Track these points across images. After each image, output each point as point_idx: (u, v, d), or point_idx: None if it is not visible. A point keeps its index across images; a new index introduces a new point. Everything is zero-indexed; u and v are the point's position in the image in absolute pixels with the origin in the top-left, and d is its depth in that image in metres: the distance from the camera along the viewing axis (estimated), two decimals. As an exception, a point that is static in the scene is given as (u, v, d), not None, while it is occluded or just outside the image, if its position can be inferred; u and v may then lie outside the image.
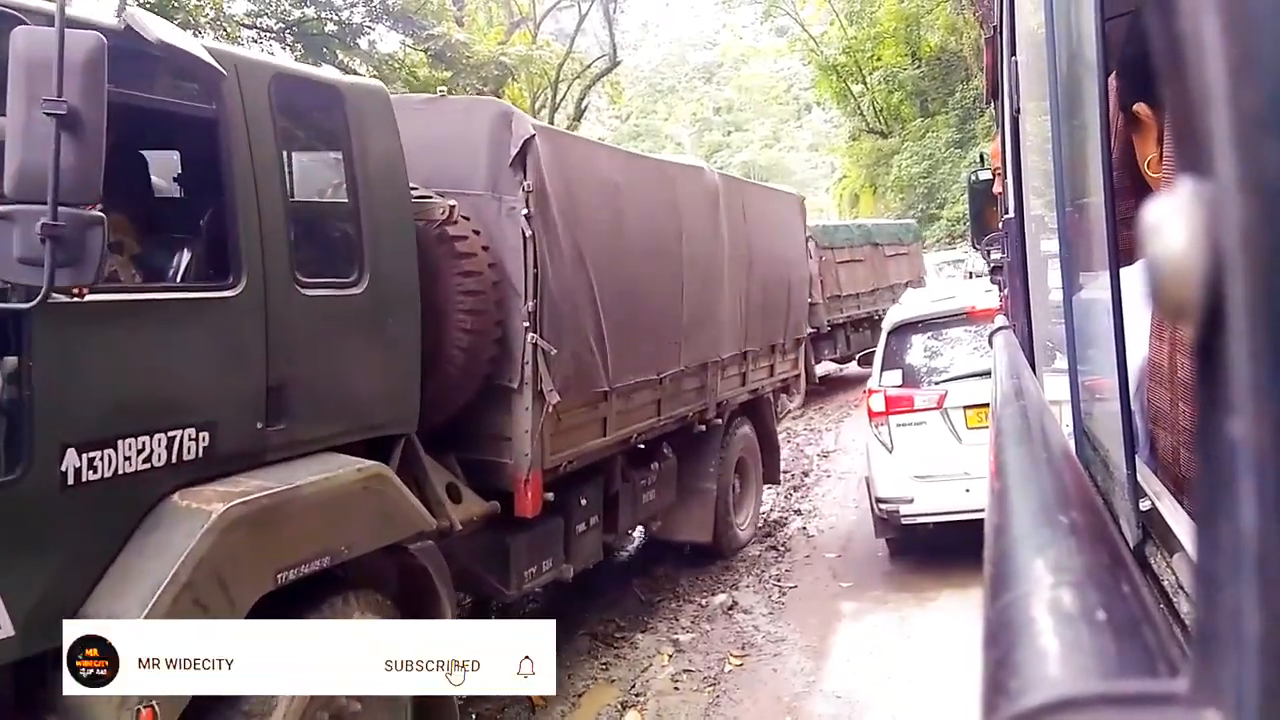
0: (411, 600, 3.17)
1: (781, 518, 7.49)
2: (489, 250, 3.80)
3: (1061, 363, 1.42)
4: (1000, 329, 2.44)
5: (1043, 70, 1.44)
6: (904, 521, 5.42)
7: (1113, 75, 1.17)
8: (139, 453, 2.39)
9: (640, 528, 6.09)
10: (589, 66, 22.32)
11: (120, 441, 2.34)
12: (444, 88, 7.92)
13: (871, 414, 5.57)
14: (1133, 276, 1.07)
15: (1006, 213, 2.45)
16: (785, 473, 8.72)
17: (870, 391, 5.70)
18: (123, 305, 2.47)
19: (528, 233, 3.79)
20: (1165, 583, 0.81)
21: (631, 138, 50.65)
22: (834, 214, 34.72)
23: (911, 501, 5.32)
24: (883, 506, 5.49)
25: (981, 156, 7.08)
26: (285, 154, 3.05)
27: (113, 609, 2.29)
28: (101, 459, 2.30)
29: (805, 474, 9.04)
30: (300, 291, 2.95)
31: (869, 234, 14.78)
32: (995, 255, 4.45)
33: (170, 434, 2.48)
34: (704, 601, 5.69)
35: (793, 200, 7.97)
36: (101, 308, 2.32)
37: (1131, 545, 0.90)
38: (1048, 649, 0.33)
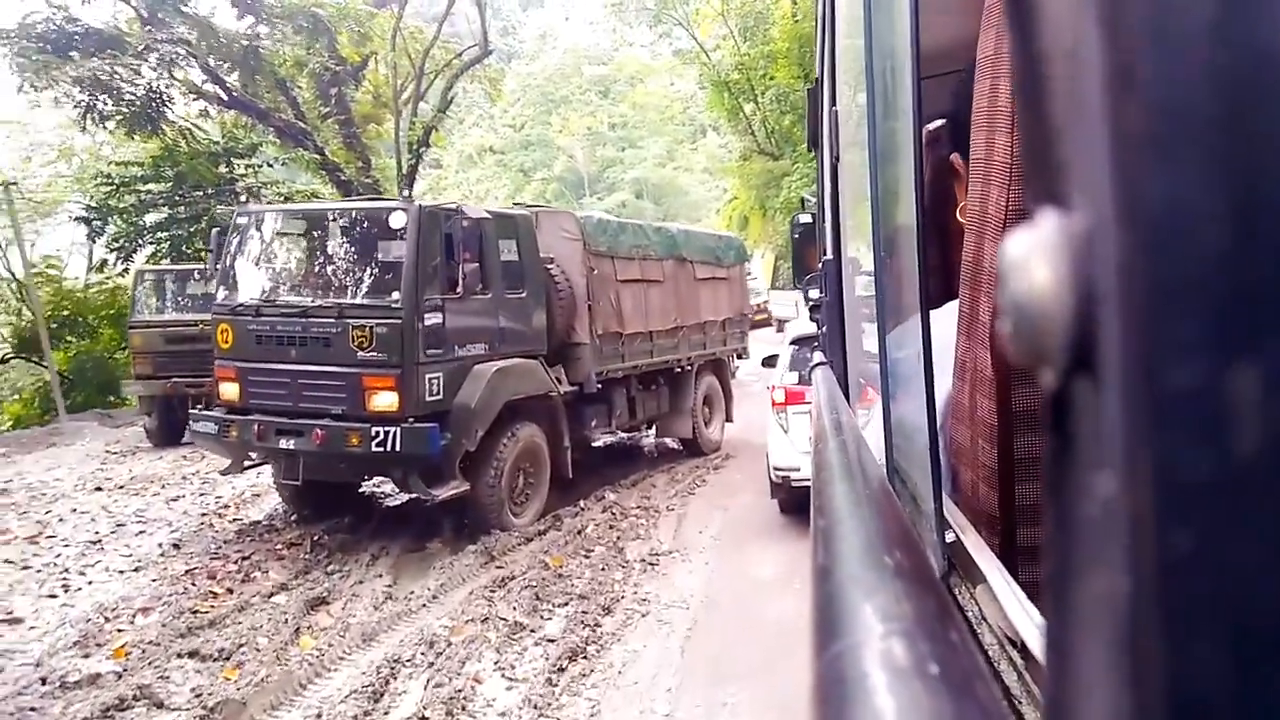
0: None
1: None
2: None
3: (874, 398, 1.49)
4: (819, 364, 2.55)
5: (861, 121, 1.51)
6: (794, 484, 6.80)
7: (925, 128, 1.25)
8: None
9: None
10: (458, 55, 21.14)
11: None
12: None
13: (774, 404, 7.07)
14: (941, 318, 1.13)
15: (825, 254, 2.58)
16: (581, 597, 5.34)
17: (773, 388, 7.24)
18: None
19: None
20: (969, 614, 0.84)
21: (523, 147, 50.17)
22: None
23: (799, 470, 6.69)
24: (779, 473, 6.96)
25: (803, 201, 7.53)
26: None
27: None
28: None
29: (606, 610, 5.13)
30: None
31: (673, 243, 9.42)
32: (814, 294, 4.69)
33: None
34: None
35: None
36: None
37: (938, 575, 0.93)
38: (884, 710, 0.31)
